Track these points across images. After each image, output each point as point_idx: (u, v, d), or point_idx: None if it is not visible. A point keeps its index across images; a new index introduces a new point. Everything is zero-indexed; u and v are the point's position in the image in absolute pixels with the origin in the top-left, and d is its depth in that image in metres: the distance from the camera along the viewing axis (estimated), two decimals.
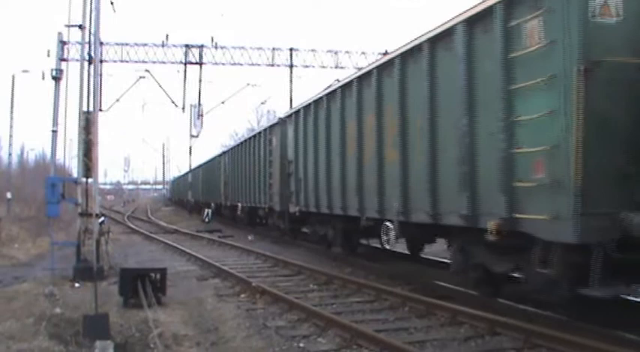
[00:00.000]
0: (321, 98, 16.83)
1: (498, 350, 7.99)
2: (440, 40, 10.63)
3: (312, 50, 39.68)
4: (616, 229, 7.42)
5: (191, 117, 44.59)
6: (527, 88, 8.35)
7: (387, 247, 13.55)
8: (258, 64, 39.35)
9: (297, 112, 18.91)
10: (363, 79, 14.05)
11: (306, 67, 39.78)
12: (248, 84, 44.30)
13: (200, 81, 40.28)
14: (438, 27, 10.70)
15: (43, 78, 34.91)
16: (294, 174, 18.99)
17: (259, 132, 26.44)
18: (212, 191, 41.61)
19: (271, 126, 23.58)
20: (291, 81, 40.62)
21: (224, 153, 36.80)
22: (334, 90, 15.78)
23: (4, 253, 19.75)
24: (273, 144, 22.57)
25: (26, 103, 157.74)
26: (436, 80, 10.73)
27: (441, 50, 10.63)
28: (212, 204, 40.97)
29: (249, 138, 29.12)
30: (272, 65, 39.56)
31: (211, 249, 22.37)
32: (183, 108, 40.89)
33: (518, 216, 8.58)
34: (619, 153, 7.58)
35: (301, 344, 8.54)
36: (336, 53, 39.40)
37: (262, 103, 59.32)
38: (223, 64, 39.09)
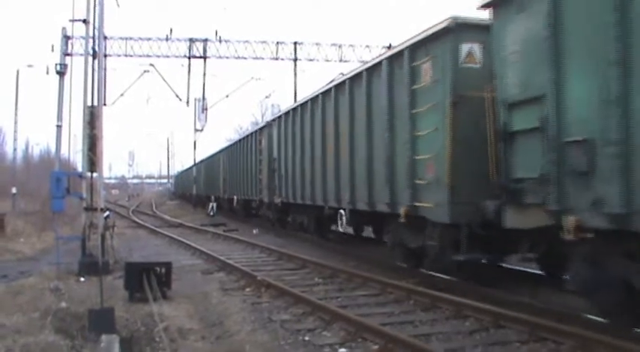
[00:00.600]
0: (296, 108, 21.00)
1: (504, 343, 7.98)
2: (374, 69, 14.19)
3: (317, 44, 39.70)
4: (477, 214, 10.38)
5: (195, 111, 44.61)
6: (422, 111, 11.84)
7: (341, 230, 17.33)
8: (262, 58, 39.40)
9: (279, 117, 23.07)
10: (326, 94, 17.52)
11: (311, 60, 39.81)
12: (252, 78, 44.23)
13: (204, 75, 40.25)
14: (374, 59, 14.79)
15: (48, 72, 35.06)
16: (278, 170, 22.82)
17: (251, 134, 30.49)
18: (213, 185, 43.26)
19: (261, 129, 27.49)
20: (295, 74, 40.64)
21: (223, 150, 38.84)
22: (305, 102, 19.48)
23: (9, 247, 19.80)
24: (262, 145, 26.05)
25: (31, 98, 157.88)
26: (371, 100, 14.25)
27: (375, 77, 14.09)
28: (212, 197, 41.96)
29: (243, 138, 33.13)
30: (276, 59, 39.59)
31: (216, 243, 22.40)
32: (188, 102, 40.96)
33: (417, 204, 12.15)
34: (477, 159, 10.43)
35: (306, 338, 8.55)
36: (340, 47, 39.41)
37: (266, 97, 58.79)
38: (227, 57, 39.15)
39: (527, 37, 8.93)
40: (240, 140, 34.44)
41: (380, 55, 14.52)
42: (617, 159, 7.20)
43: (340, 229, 17.04)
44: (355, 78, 15.29)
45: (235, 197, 34.77)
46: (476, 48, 11.10)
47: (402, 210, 12.50)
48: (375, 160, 14.13)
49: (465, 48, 11.11)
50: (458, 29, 11.02)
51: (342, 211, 16.45)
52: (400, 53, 12.65)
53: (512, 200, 9.41)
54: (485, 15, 10.22)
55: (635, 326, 7.70)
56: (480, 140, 10.33)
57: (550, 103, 8.29)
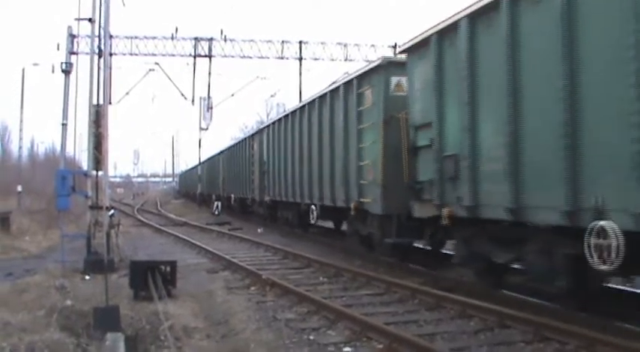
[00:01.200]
0: (281, 118, 24.64)
1: (508, 343, 7.98)
2: (335, 92, 17.61)
3: (322, 43, 39.68)
4: (404, 208, 13.31)
5: (200, 110, 44.59)
6: (365, 127, 15.40)
7: (312, 222, 21.19)
8: (268, 57, 39.38)
9: (268, 126, 27.00)
10: (302, 109, 21.17)
11: (316, 59, 39.76)
12: (257, 76, 44.21)
13: (209, 74, 40.29)
14: (334, 83, 18.12)
15: (53, 71, 35.05)
16: (267, 172, 25.74)
17: (245, 139, 33.16)
18: (215, 184, 45.34)
19: (253, 135, 30.71)
20: (300, 73, 40.64)
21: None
22: (287, 115, 23.44)
23: (15, 245, 19.85)
24: (254, 149, 28.69)
25: (36, 97, 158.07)
26: (333, 117, 17.78)
27: (335, 99, 17.61)
28: (213, 196, 43.09)
29: (238, 143, 36.27)
30: (281, 58, 39.56)
31: (221, 242, 22.43)
32: (193, 101, 41.00)
33: (362, 200, 15.60)
34: (400, 166, 13.41)
35: (311, 337, 8.56)
36: (345, 46, 39.37)
37: (272, 96, 59.22)
38: (232, 56, 39.13)
39: (424, 78, 12.10)
40: (235, 144, 38.01)
41: (338, 81, 17.78)
42: (469, 169, 10.37)
43: (312, 221, 21.06)
44: (322, 98, 18.81)
45: (232, 195, 38.12)
46: (403, 80, 13.94)
47: (352, 205, 16.02)
48: (335, 165, 17.64)
49: (394, 80, 14.45)
50: (388, 66, 14.58)
51: (312, 207, 20.20)
52: (351, 81, 16.33)
53: (416, 197, 12.56)
54: None
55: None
56: (402, 151, 13.48)
57: (435, 128, 11.57)
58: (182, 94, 40.22)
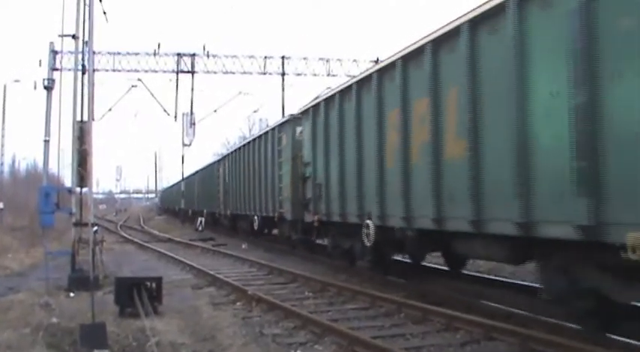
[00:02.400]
0: (236, 149, 30.42)
1: None
2: (266, 134, 24.92)
3: (304, 58, 39.92)
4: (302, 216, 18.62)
5: (183, 126, 44.60)
6: (282, 161, 21.48)
7: (256, 229, 27.27)
8: (250, 73, 39.58)
9: (227, 155, 27.99)
10: (249, 144, 27.84)
11: (298, 75, 39.99)
12: (240, 92, 44.40)
13: (192, 89, 40.40)
14: (264, 130, 25.30)
15: (35, 87, 34.97)
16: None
17: (266, 132, 25.04)
18: (208, 199, 40.75)
19: (281, 124, 22.31)
20: (283, 89, 40.85)
21: (223, 158, 36.06)
22: (240, 147, 30.12)
23: None
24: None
25: (18, 113, 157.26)
26: (266, 151, 24.76)
27: (264, 139, 25.00)
28: (205, 212, 41.23)
29: (254, 139, 27.54)
30: (264, 73, 39.75)
31: (205, 258, 22.36)
32: (176, 117, 41.05)
33: (280, 210, 21.92)
34: (303, 189, 18.30)
35: (298, 351, 8.57)
36: (327, 61, 39.64)
37: (254, 112, 59.14)
38: (215, 72, 39.30)
39: (308, 133, 17.65)
40: (207, 166, 38.17)
41: (266, 128, 25.39)
42: (325, 192, 16.31)
43: (255, 228, 27.04)
44: (261, 137, 25.92)
45: (205, 210, 41.36)
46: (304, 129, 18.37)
47: (275, 214, 22.64)
48: (268, 186, 24.14)
49: (298, 129, 19.74)
50: (295, 120, 20.28)
51: (255, 217, 26.72)
52: (273, 129, 23.55)
53: (306, 208, 17.90)
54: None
55: None
56: (301, 179, 18.50)
57: (312, 165, 17.24)
58: (165, 110, 40.27)
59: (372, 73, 13.14)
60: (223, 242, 29.51)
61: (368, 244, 13.47)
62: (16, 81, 55.05)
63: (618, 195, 6.90)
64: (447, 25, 10.25)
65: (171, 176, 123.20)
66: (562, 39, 7.63)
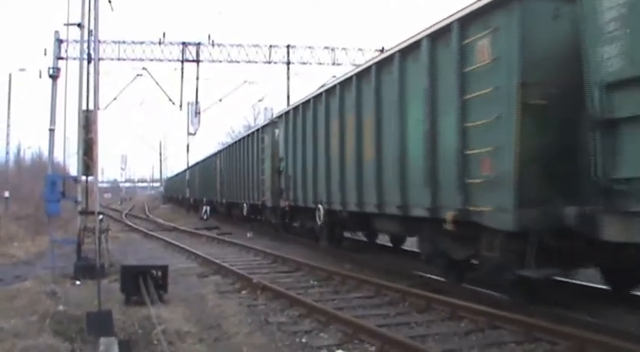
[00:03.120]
0: (228, 146, 30.76)
1: (499, 344, 8.05)
2: (252, 134, 27.79)
3: (309, 47, 39.71)
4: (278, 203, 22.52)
5: (188, 115, 44.53)
6: (264, 157, 24.86)
7: (245, 215, 30.31)
8: (255, 62, 39.38)
9: (221, 150, 28.58)
10: (238, 143, 30.29)
11: (303, 63, 39.79)
12: (245, 81, 44.29)
13: (197, 78, 40.22)
14: (251, 128, 29.31)
15: (40, 76, 34.92)
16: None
17: (253, 132, 29.11)
18: (208, 189, 42.20)
19: (264, 126, 26.53)
20: (288, 78, 40.64)
21: (219, 151, 39.17)
22: (231, 145, 30.19)
23: (3, 251, 19.75)
24: (265, 143, 25.26)
25: (23, 102, 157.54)
26: (253, 148, 27.48)
27: (252, 139, 27.73)
28: (207, 201, 41.59)
29: (243, 138, 31.54)
30: (269, 62, 39.56)
31: (211, 247, 22.44)
32: (181, 106, 40.91)
33: (263, 199, 24.78)
34: (278, 180, 22.38)
35: (304, 340, 8.61)
36: (333, 50, 39.42)
37: (259, 101, 58.95)
38: (220, 61, 39.10)
39: (283, 134, 21.52)
40: (239, 139, 33.57)
41: (252, 128, 27.78)
42: (293, 183, 20.39)
43: (244, 214, 30.27)
44: (248, 136, 29.82)
45: (204, 199, 41.68)
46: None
47: (260, 202, 26.11)
48: (254, 177, 27.46)
49: (276, 131, 23.47)
50: (274, 123, 23.86)
51: (244, 205, 29.91)
52: (258, 130, 27.31)
53: (280, 196, 20.54)
54: None
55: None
56: (277, 172, 22.80)
57: (284, 161, 21.01)
58: (170, 99, 40.19)
59: (322, 92, 17.38)
60: (228, 231, 29.59)
61: (319, 223, 17.96)
62: (22, 70, 55.34)
63: (445, 187, 10.81)
64: (349, 72, 16.09)
65: (176, 165, 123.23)
66: (421, 84, 11.45)
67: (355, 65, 29.14)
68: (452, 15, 10.50)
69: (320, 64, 39.45)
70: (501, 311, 9.15)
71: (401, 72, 12.41)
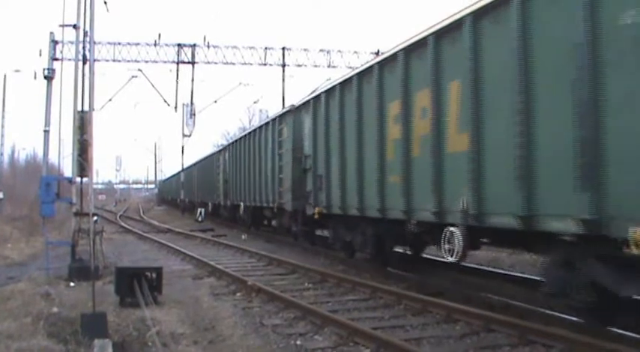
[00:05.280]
0: (233, 142, 29.03)
1: (494, 347, 8.06)
2: (265, 125, 24.75)
3: (305, 49, 39.82)
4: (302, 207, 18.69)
5: (183, 117, 44.60)
6: (282, 152, 21.35)
7: (241, 214, 29.83)
8: (251, 64, 39.47)
9: (226, 147, 23.31)
10: (248, 136, 28.50)
11: (299, 66, 39.91)
12: (240, 83, 44.81)
13: (192, 80, 40.32)
14: (265, 120, 24.98)
15: (35, 77, 34.92)
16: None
17: (267, 123, 24.64)
18: (208, 190, 40.57)
19: (281, 115, 21.93)
20: (283, 80, 40.79)
21: (224, 148, 36.30)
22: (238, 139, 29.10)
23: None
24: (284, 136, 21.13)
25: (18, 103, 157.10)
26: (266, 144, 24.68)
27: (266, 131, 24.47)
28: (209, 204, 40.67)
29: (255, 130, 27.12)
30: (264, 64, 39.64)
31: (205, 248, 22.40)
32: (176, 108, 41.04)
33: (280, 201, 21.74)
34: (300, 179, 18.59)
35: (298, 342, 8.60)
36: (328, 52, 39.54)
37: (254, 102, 59.36)
38: (216, 63, 39.21)
39: (308, 126, 17.35)
40: (250, 132, 28.69)
41: (267, 118, 24.74)
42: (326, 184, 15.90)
43: (241, 213, 29.51)
44: (260, 127, 25.91)
45: (242, 204, 30.23)
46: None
47: (275, 205, 22.54)
48: (267, 176, 23.93)
49: (299, 120, 18.93)
50: (296, 110, 19.58)
51: (254, 208, 27.14)
52: (274, 119, 23.18)
53: (307, 201, 17.43)
54: None
55: None
56: (302, 170, 18.07)
57: (312, 159, 16.98)
58: (165, 101, 40.26)
59: (374, 64, 13.00)
60: (223, 233, 29.53)
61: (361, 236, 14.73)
62: (17, 71, 55.08)
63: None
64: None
65: (171, 167, 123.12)
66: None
67: (351, 68, 29.13)
68: None
69: (315, 66, 39.58)
70: (496, 314, 9.15)
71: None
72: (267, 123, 24.43)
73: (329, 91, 15.54)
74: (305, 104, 17.80)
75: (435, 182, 10.41)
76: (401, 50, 11.59)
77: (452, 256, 10.11)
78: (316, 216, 16.57)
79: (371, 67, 13.07)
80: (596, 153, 6.98)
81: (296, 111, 19.44)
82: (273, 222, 26.87)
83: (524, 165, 8.14)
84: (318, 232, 19.66)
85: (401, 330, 9.11)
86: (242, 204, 29.11)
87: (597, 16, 7.06)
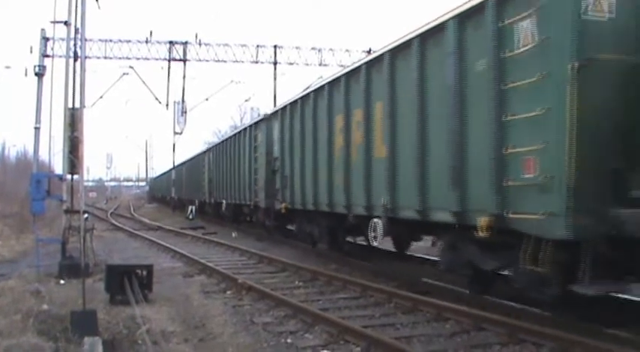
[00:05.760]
0: (218, 144, 28.48)
1: (484, 346, 8.07)
2: (243, 131, 25.61)
3: (297, 47, 39.84)
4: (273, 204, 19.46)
5: (175, 114, 44.54)
6: (257, 155, 22.90)
7: (224, 210, 29.33)
8: (242, 61, 39.45)
9: (281, 109, 19.95)
10: (229, 139, 27.74)
11: (290, 64, 39.91)
12: (232, 81, 44.35)
13: (184, 78, 40.28)
14: (242, 125, 25.33)
15: (26, 74, 34.74)
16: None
17: (245, 129, 26.72)
18: (195, 188, 41.53)
19: (256, 123, 23.99)
20: (274, 78, 40.79)
21: (208, 149, 38.08)
22: (219, 143, 28.02)
23: None
24: (259, 141, 22.99)
25: (8, 100, 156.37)
26: (243, 146, 25.97)
27: (243, 136, 25.48)
28: (196, 201, 41.15)
29: (234, 135, 29.27)
30: (256, 62, 39.63)
31: (196, 246, 22.38)
32: (167, 105, 40.97)
33: (256, 199, 22.90)
34: (273, 180, 20.16)
35: (289, 340, 8.60)
36: (319, 51, 39.54)
37: (246, 100, 59.11)
38: (207, 60, 39.18)
39: (279, 131, 19.61)
40: (230, 137, 31.59)
41: (244, 125, 24.97)
42: (290, 182, 17.23)
43: (224, 210, 30.60)
44: (239, 133, 27.62)
45: (224, 201, 32.80)
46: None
47: (252, 202, 24.29)
48: (245, 176, 25.47)
49: (270, 127, 21.01)
50: (269, 118, 21.77)
51: (234, 205, 28.81)
52: (250, 126, 24.88)
53: (275, 198, 16.07)
54: None
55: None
56: (272, 171, 20.18)
57: (280, 161, 19.82)
58: (156, 98, 40.21)
59: (324, 84, 15.72)
60: (213, 230, 29.53)
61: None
62: (7, 67, 55.03)
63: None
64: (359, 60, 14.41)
65: (162, 164, 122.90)
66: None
67: (342, 66, 29.16)
68: None
69: (307, 64, 39.60)
70: (486, 312, 9.17)
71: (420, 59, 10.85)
72: (245, 129, 26.66)
73: (292, 104, 18.34)
74: (275, 113, 20.80)
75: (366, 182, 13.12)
76: (344, 74, 14.37)
77: (375, 241, 12.94)
78: (283, 211, 19.34)
79: (323, 86, 15.72)
80: (461, 164, 9.56)
81: (268, 119, 21.86)
82: (251, 218, 28.34)
83: (421, 171, 10.77)
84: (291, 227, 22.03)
85: (391, 328, 9.13)
86: (224, 201, 31.07)
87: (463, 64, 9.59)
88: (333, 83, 14.97)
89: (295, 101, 17.93)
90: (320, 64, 39.07)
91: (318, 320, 9.36)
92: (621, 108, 7.67)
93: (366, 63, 13.21)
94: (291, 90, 52.77)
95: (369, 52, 36.37)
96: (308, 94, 16.79)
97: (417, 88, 10.80)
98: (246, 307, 10.92)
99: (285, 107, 19.06)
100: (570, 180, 7.45)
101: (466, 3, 9.49)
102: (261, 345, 8.30)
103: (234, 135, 29.19)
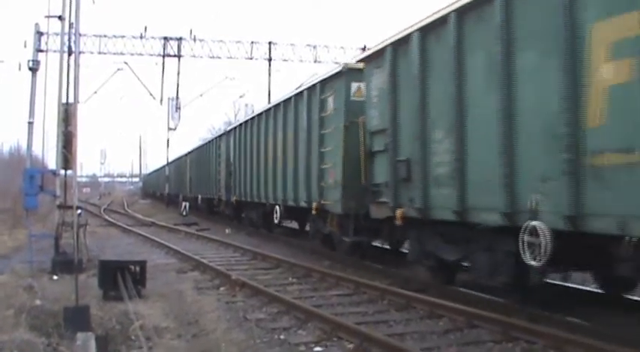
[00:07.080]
0: (241, 124, 26.74)
1: (477, 343, 8.08)
2: (298, 96, 18.59)
3: (291, 44, 39.84)
4: (362, 208, 14.40)
5: (169, 110, 44.46)
6: (326, 132, 16.33)
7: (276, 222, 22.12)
8: (237, 58, 39.48)
9: (234, 128, 27.82)
10: (266, 113, 22.45)
11: (285, 60, 39.93)
12: (226, 77, 44.34)
13: (178, 73, 40.20)
14: (300, 87, 19.27)
15: (20, 69, 34.61)
16: (234, 172, 27.16)
17: (214, 139, 33.85)
18: (202, 183, 41.30)
19: (219, 136, 32.04)
20: (269, 74, 40.75)
21: (189, 152, 42.91)
22: (248, 120, 25.43)
23: None
24: (222, 150, 30.24)
25: (1, 94, 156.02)
26: (297, 119, 19.35)
27: (299, 103, 18.57)
28: (180, 196, 43.16)
29: (207, 143, 36.36)
30: (250, 58, 39.63)
31: (189, 242, 22.35)
32: (161, 101, 40.95)
33: (322, 201, 16.76)
34: (368, 169, 14.13)
35: (282, 337, 8.59)
36: (314, 47, 39.55)
37: (240, 97, 58.99)
38: (202, 57, 39.21)
39: (380, 87, 12.60)
40: (203, 144, 38.78)
41: (299, 88, 18.58)
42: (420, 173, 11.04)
43: (276, 221, 22.38)
44: (285, 101, 19.97)
45: (200, 196, 38.62)
46: (362, 86, 14.31)
47: (313, 205, 17.07)
48: (297, 165, 18.57)
49: (354, 85, 14.97)
50: (349, 73, 15.06)
51: (277, 207, 21.94)
52: (311, 88, 17.38)
53: (373, 199, 13.13)
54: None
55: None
56: (365, 155, 13.83)
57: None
58: (150, 94, 40.19)
59: (262, 112, 23.26)
60: (207, 226, 29.53)
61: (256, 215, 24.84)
62: (1, 62, 54.68)
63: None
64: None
65: (156, 160, 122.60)
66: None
67: (337, 63, 29.15)
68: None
69: (301, 61, 39.64)
70: (480, 310, 9.19)
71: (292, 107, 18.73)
72: (214, 139, 33.70)
73: (243, 123, 25.76)
74: (232, 129, 27.70)
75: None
76: (273, 106, 21.26)
77: (276, 220, 21.60)
78: (234, 202, 26.97)
79: (261, 113, 22.88)
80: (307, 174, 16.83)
81: (228, 133, 28.89)
82: (217, 209, 33.54)
83: (284, 177, 19.65)
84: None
85: (384, 325, 9.13)
86: (200, 195, 37.54)
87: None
88: (269, 111, 21.71)
89: (246, 121, 25.35)
90: (315, 61, 39.14)
91: (312, 317, 9.35)
92: (360, 146, 14.06)
93: (292, 96, 18.86)
94: (285, 86, 52.82)
95: (363, 49, 36.42)
96: (253, 117, 24.01)
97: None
98: (240, 303, 10.91)
99: (240, 125, 26.46)
100: (343, 183, 14.95)
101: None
102: (254, 341, 8.28)
103: (207, 143, 36.35)
